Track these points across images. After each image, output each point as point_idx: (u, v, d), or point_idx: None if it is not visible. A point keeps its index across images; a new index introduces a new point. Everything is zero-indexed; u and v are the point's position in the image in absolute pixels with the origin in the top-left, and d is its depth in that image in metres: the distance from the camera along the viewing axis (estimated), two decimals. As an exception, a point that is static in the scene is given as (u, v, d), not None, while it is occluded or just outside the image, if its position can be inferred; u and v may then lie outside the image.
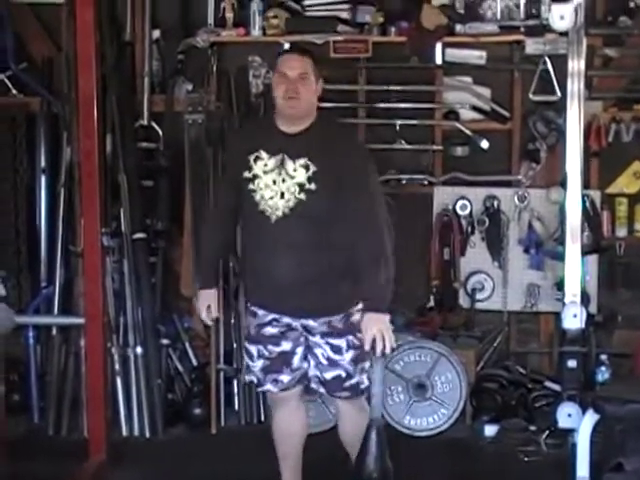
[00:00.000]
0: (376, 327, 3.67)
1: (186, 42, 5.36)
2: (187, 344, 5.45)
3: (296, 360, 3.93)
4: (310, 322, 3.86)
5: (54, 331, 5.24)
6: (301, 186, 3.73)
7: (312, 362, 3.93)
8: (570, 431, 4.33)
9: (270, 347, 3.91)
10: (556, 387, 4.80)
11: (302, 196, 3.73)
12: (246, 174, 3.80)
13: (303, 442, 4.12)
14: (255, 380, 4.01)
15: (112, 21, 5.27)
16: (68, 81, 5.16)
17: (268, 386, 3.97)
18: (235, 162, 3.90)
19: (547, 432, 4.79)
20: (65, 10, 5.16)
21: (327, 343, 3.87)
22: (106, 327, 4.83)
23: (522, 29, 5.22)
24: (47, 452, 4.90)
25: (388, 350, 3.68)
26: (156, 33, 5.47)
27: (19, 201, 5.42)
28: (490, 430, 4.99)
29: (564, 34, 4.51)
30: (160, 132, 5.42)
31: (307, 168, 3.74)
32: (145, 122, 5.41)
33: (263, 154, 3.80)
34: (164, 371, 5.30)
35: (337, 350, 3.87)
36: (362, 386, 3.90)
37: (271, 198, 3.76)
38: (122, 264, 5.18)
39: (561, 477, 4.21)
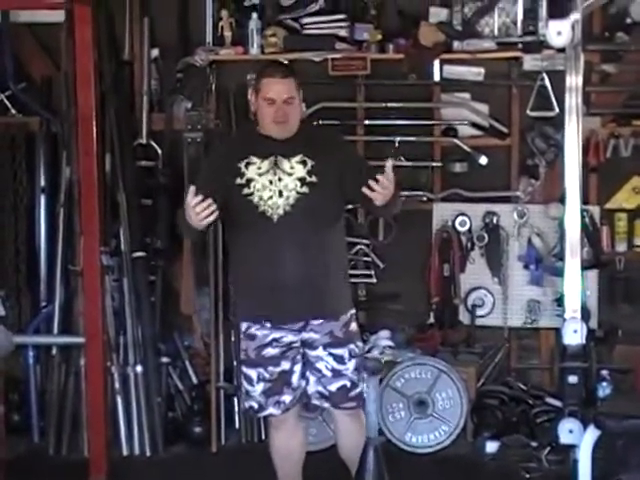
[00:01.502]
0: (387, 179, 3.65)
1: (185, 61, 5.37)
2: (187, 362, 5.45)
3: (295, 379, 3.93)
4: (312, 335, 3.88)
5: (54, 350, 5.23)
6: (302, 180, 3.81)
7: (313, 378, 3.93)
8: (571, 447, 4.31)
9: (270, 368, 3.91)
10: (557, 403, 4.79)
11: (305, 189, 3.81)
12: (238, 180, 3.83)
13: (302, 460, 4.11)
14: (256, 405, 3.97)
15: (111, 40, 5.29)
16: (67, 100, 5.17)
17: (270, 410, 3.95)
18: (221, 172, 3.89)
19: (548, 448, 4.77)
20: (64, 29, 5.17)
21: (330, 354, 3.89)
22: (106, 346, 4.84)
23: (520, 45, 5.23)
24: (47, 472, 4.90)
25: (379, 194, 3.64)
26: (155, 52, 5.49)
27: (19, 220, 5.42)
28: (491, 446, 4.98)
29: (561, 50, 4.52)
30: (159, 150, 5.42)
31: (304, 163, 3.83)
32: (144, 141, 5.42)
33: (254, 159, 3.85)
34: (164, 389, 5.30)
35: (340, 360, 3.90)
36: (365, 395, 3.90)
37: (270, 198, 3.81)
38: (122, 283, 5.18)
39: (563, 493, 4.20)
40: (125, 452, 5.11)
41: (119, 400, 5.11)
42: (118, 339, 5.15)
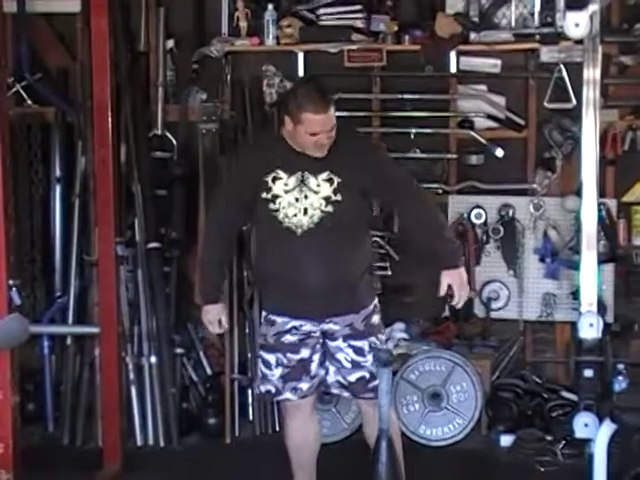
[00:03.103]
0: (451, 279, 3.86)
1: (200, 52, 5.37)
2: (201, 353, 5.45)
3: (314, 367, 3.94)
4: (332, 326, 3.89)
5: (69, 340, 5.24)
6: (327, 199, 3.80)
7: (332, 368, 3.95)
8: (587, 441, 4.31)
9: (289, 355, 3.93)
10: (573, 397, 4.78)
11: (329, 208, 3.80)
12: (264, 195, 3.83)
13: (317, 451, 4.12)
14: (273, 389, 3.98)
15: (126, 31, 5.28)
16: (83, 91, 5.17)
17: (287, 394, 3.97)
18: (248, 181, 3.88)
19: (564, 442, 4.76)
20: (80, 20, 5.18)
21: (350, 346, 3.90)
22: (121, 336, 4.85)
23: (537, 37, 5.20)
24: (62, 461, 4.91)
25: (461, 303, 3.89)
26: (170, 43, 5.47)
27: (34, 211, 5.43)
28: (506, 440, 4.96)
29: (579, 42, 4.51)
30: (174, 141, 5.42)
31: (331, 181, 3.81)
32: (159, 131, 5.41)
33: (281, 174, 3.83)
34: (178, 380, 5.30)
35: (360, 352, 3.91)
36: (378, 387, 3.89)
37: (295, 215, 3.80)
38: (136, 273, 5.18)
39: (578, 487, 4.19)
40: (139, 442, 5.11)
41: (133, 390, 5.12)
42: (132, 329, 5.16)
